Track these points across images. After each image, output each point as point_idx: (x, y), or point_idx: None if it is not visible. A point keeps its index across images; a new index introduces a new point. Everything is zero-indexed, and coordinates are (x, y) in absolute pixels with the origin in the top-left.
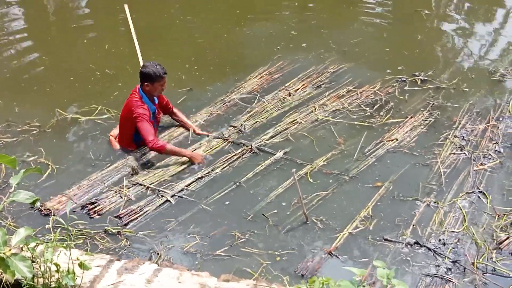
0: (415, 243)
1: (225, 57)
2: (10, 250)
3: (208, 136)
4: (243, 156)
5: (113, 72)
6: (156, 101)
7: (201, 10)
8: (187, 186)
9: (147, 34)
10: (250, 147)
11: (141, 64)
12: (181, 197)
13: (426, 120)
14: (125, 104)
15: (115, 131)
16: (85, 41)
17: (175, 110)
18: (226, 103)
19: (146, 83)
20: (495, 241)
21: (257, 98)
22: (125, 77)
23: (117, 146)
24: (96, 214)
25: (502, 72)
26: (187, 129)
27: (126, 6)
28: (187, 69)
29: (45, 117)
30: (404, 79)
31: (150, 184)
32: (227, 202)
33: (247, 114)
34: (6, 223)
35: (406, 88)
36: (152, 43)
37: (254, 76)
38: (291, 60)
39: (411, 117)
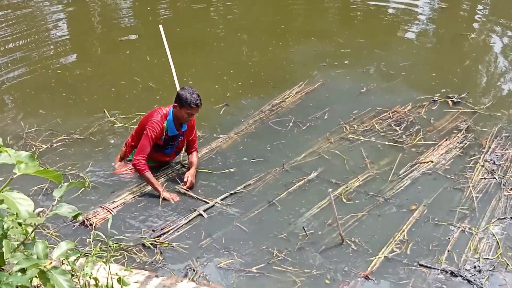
0: (451, 273)
1: (268, 71)
2: (50, 263)
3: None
4: (275, 174)
5: (155, 85)
6: (185, 128)
7: (246, 24)
8: (221, 201)
9: (189, 46)
10: (282, 165)
11: (177, 85)
12: (221, 209)
13: (461, 143)
14: (142, 120)
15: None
16: (127, 52)
17: (194, 152)
18: (262, 122)
19: (175, 104)
20: None
21: (292, 122)
22: (164, 91)
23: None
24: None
25: None
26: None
27: (161, 27)
28: (225, 81)
29: (86, 126)
30: (436, 99)
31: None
32: (261, 220)
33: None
34: (48, 233)
35: (438, 110)
36: (193, 55)
37: (289, 95)
38: (332, 79)
39: (447, 140)
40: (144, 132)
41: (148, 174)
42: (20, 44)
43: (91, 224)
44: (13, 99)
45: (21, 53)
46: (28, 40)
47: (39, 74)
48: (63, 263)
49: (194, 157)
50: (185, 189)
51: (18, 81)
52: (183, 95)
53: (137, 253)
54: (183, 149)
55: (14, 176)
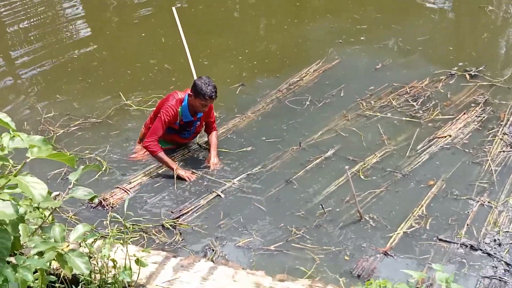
0: (470, 246)
1: (284, 50)
2: (68, 246)
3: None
4: (292, 153)
5: (171, 67)
6: (200, 114)
7: (260, 3)
8: (238, 181)
9: (203, 27)
10: (299, 144)
11: (192, 69)
12: (239, 189)
13: (479, 116)
14: (159, 104)
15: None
16: (142, 34)
17: (214, 132)
18: (279, 101)
19: (190, 93)
20: None
21: (308, 100)
22: (180, 72)
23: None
24: (147, 204)
25: None
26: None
27: (174, 9)
28: (240, 61)
29: (103, 110)
30: (454, 73)
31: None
32: (279, 198)
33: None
34: (68, 217)
35: (455, 84)
36: (208, 36)
37: (306, 73)
38: (348, 56)
39: (465, 113)
40: (158, 115)
41: (161, 154)
42: (34, 25)
43: (108, 205)
44: (30, 85)
45: (36, 33)
46: (42, 20)
47: (55, 59)
48: (80, 246)
49: (213, 137)
50: (213, 169)
51: (34, 66)
52: (198, 86)
53: (157, 234)
54: (202, 129)
55: (27, 160)
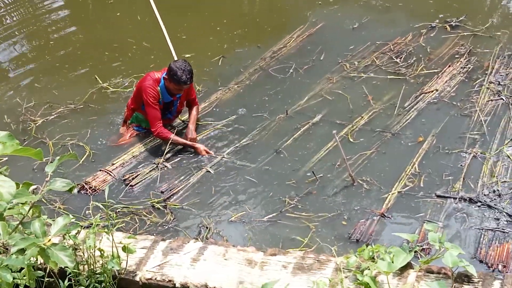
0: (469, 200)
1: (263, 17)
2: (49, 240)
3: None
4: (279, 122)
5: (149, 45)
6: (180, 94)
7: None
8: (227, 154)
9: (178, 0)
10: (286, 112)
11: (172, 50)
12: (228, 163)
13: (464, 67)
14: (137, 85)
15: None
16: (118, 14)
17: (194, 107)
18: (263, 70)
19: (165, 76)
20: None
21: (292, 67)
22: (159, 50)
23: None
24: (135, 186)
25: None
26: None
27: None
28: (219, 32)
29: (83, 95)
30: (434, 25)
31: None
32: (268, 169)
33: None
34: (55, 207)
35: (436, 36)
36: (183, 9)
37: (290, 39)
38: (328, 17)
39: (449, 66)
40: (144, 102)
41: (174, 136)
42: (9, 12)
43: (90, 188)
44: (8, 75)
45: (12, 21)
46: (17, 7)
47: (32, 47)
48: (64, 238)
49: (193, 111)
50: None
51: (11, 55)
52: (173, 70)
53: (147, 215)
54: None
55: None
